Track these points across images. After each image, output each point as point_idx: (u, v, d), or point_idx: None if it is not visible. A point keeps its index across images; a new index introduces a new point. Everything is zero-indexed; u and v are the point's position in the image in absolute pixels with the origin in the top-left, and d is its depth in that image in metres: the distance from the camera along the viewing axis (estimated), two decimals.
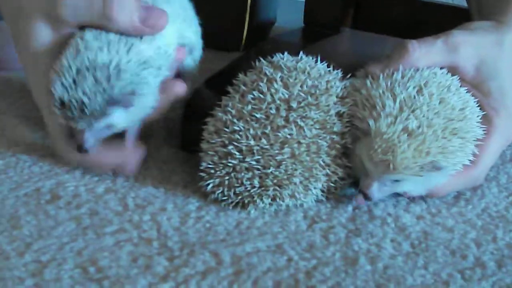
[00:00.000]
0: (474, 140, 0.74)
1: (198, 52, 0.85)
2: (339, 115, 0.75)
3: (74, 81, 0.70)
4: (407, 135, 0.69)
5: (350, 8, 1.16)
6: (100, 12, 0.73)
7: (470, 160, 0.74)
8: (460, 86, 0.75)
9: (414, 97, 0.71)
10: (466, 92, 0.75)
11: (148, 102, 0.75)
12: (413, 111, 0.71)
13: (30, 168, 0.80)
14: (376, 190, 0.72)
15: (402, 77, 0.73)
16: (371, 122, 0.71)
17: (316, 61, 0.78)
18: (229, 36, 1.21)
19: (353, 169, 0.75)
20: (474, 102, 0.75)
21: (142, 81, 0.73)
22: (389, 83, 0.73)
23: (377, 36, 1.13)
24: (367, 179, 0.73)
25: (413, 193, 0.75)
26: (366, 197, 0.73)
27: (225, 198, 0.73)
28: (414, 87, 0.72)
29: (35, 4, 0.74)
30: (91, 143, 0.73)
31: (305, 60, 0.77)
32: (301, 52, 0.78)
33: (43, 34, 0.75)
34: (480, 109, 0.76)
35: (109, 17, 0.73)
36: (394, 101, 0.71)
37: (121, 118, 0.73)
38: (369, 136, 0.71)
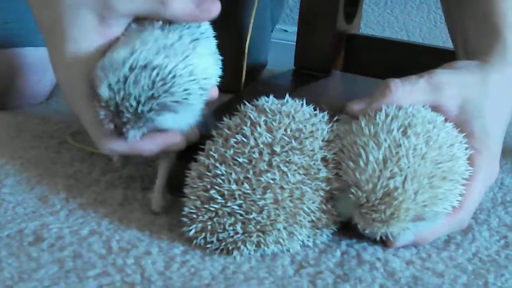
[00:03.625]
0: (463, 179, 0.73)
1: None
2: (325, 160, 0.74)
3: (125, 82, 0.69)
4: (393, 194, 0.69)
5: (341, 51, 1.17)
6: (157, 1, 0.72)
7: (457, 201, 0.73)
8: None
9: (399, 140, 0.70)
10: (453, 127, 0.75)
11: (196, 109, 0.75)
12: (398, 160, 0.69)
13: (14, 209, 0.78)
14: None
15: (386, 116, 0.73)
16: (353, 188, 0.70)
17: (302, 104, 0.77)
18: (228, 77, 1.21)
19: (341, 214, 0.74)
20: (462, 137, 0.74)
21: (192, 91, 0.72)
22: (372, 128, 0.72)
23: (368, 79, 1.13)
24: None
25: (402, 240, 0.74)
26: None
27: (208, 244, 0.72)
28: (398, 129, 0.71)
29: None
30: (133, 137, 0.73)
31: (291, 103, 0.77)
32: (287, 95, 0.78)
33: (89, 24, 0.74)
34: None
35: (164, 1, 0.72)
36: (379, 151, 0.70)
37: (167, 123, 0.73)
38: (354, 193, 0.70)
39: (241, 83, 1.23)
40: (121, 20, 0.75)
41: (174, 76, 0.71)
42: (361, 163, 0.70)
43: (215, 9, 0.75)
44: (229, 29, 1.12)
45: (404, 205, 0.69)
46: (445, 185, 0.70)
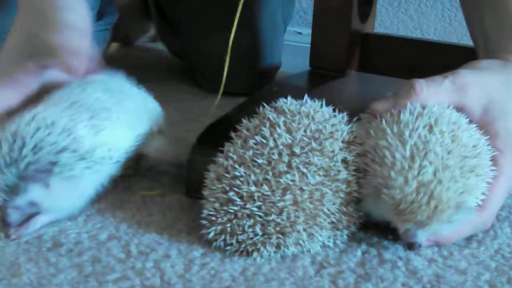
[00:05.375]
0: (488, 178, 0.72)
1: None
2: (345, 162, 0.73)
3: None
4: (425, 187, 0.68)
5: (356, 50, 1.16)
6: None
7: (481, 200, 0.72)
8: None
9: (426, 137, 0.70)
10: (476, 129, 0.74)
11: (79, 186, 0.74)
12: (425, 154, 0.69)
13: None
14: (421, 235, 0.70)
15: (410, 114, 0.72)
16: (385, 190, 0.69)
17: (321, 105, 0.77)
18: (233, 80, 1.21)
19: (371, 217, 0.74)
20: (485, 140, 0.73)
21: (66, 165, 0.71)
22: (395, 128, 0.71)
23: (384, 78, 1.12)
24: (403, 231, 0.71)
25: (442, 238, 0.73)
26: (411, 248, 0.71)
27: (228, 246, 0.71)
28: (424, 126, 0.71)
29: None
30: (14, 219, 0.72)
31: (309, 104, 0.76)
32: (305, 96, 0.77)
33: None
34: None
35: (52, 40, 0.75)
36: (404, 148, 0.69)
37: (42, 197, 0.72)
38: (387, 197, 0.69)
39: (253, 85, 1.22)
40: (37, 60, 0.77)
41: (35, 146, 0.70)
42: (388, 162, 0.69)
43: (79, 67, 0.77)
44: (239, 32, 1.12)
45: (443, 195, 0.67)
46: (473, 178, 0.70)
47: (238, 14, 1.01)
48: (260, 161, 0.71)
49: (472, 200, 0.70)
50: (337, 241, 0.74)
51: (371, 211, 0.74)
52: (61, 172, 0.71)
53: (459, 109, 0.75)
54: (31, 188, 0.71)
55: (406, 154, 0.69)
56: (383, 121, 0.73)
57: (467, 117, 0.74)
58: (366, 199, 0.73)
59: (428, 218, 0.68)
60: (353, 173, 0.73)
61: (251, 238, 0.70)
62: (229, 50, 0.99)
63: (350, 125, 0.76)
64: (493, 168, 0.73)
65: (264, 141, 0.72)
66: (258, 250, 0.71)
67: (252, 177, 0.70)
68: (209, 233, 0.71)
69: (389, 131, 0.71)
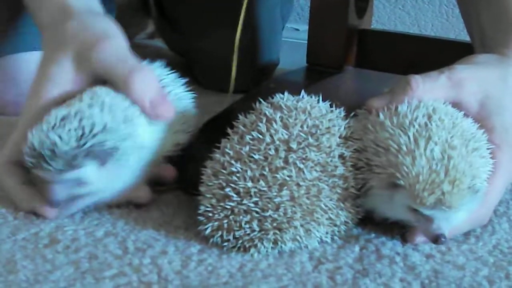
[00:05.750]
0: (490, 162, 0.72)
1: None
2: (342, 157, 0.73)
3: (54, 127, 0.71)
4: (437, 162, 0.67)
5: (353, 46, 1.16)
6: (125, 74, 0.75)
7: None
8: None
9: (426, 124, 0.70)
10: (473, 123, 0.74)
11: (125, 174, 0.76)
12: (428, 137, 0.68)
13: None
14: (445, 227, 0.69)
15: (408, 107, 0.72)
16: (398, 174, 0.68)
17: (318, 100, 0.76)
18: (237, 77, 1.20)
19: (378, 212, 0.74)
20: (482, 134, 0.73)
21: (125, 153, 0.74)
22: (394, 120, 0.71)
23: (381, 74, 1.12)
24: (425, 223, 0.70)
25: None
26: (437, 241, 0.69)
27: (225, 242, 0.71)
28: (423, 116, 0.71)
29: (73, 37, 0.78)
30: (60, 197, 0.73)
31: (306, 100, 0.76)
32: (302, 91, 0.77)
33: (66, 65, 0.77)
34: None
35: (128, 84, 0.75)
36: (407, 135, 0.69)
37: (93, 175, 0.73)
38: (402, 185, 0.68)
39: (251, 82, 1.22)
40: (90, 74, 0.78)
41: (104, 127, 0.72)
42: (393, 150, 0.69)
43: (167, 114, 0.78)
44: (236, 30, 1.13)
45: (459, 166, 0.67)
46: (479, 158, 0.70)
47: (243, 14, 1.01)
48: (256, 156, 0.70)
49: (480, 182, 0.70)
50: (335, 237, 0.74)
51: (377, 207, 0.74)
52: (119, 158, 0.73)
53: (456, 104, 0.75)
54: (87, 165, 0.72)
55: (410, 139, 0.69)
56: (381, 115, 0.73)
57: (463, 113, 0.74)
58: (374, 194, 0.72)
59: (448, 194, 0.67)
60: (351, 168, 0.73)
61: (248, 234, 0.70)
62: (235, 48, 1.00)
63: (347, 121, 0.76)
64: (491, 160, 0.72)
65: (260, 136, 0.72)
66: (256, 246, 0.70)
67: (249, 172, 0.70)
68: (206, 229, 0.71)
69: (388, 122, 0.71)
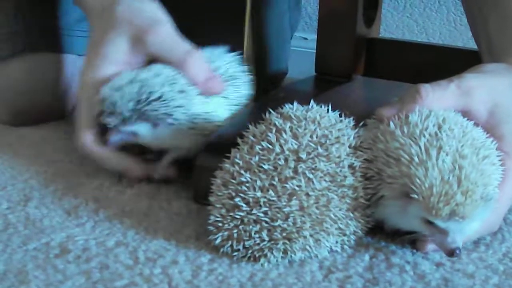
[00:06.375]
0: (500, 166, 0.72)
1: None
2: (352, 167, 0.73)
3: (119, 88, 0.83)
4: (449, 173, 0.67)
5: (362, 55, 1.16)
6: (181, 56, 0.86)
7: None
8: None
9: (437, 134, 0.70)
10: (482, 132, 0.74)
11: (176, 136, 0.86)
12: (440, 147, 0.69)
13: (41, 222, 0.79)
14: (460, 239, 0.69)
15: (418, 115, 0.72)
16: (412, 185, 0.68)
17: (327, 110, 0.77)
18: None
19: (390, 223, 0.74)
20: (492, 142, 0.73)
21: (177, 119, 0.85)
22: (405, 129, 0.71)
23: (390, 83, 1.12)
24: (440, 236, 0.69)
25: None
26: (453, 255, 0.69)
27: (235, 251, 0.71)
28: (433, 125, 0.71)
29: (125, 20, 0.87)
30: (115, 139, 0.85)
31: (316, 109, 0.76)
32: (311, 101, 0.77)
33: (121, 46, 0.86)
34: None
35: (184, 64, 0.85)
36: (418, 145, 0.69)
37: (146, 133, 0.85)
38: (415, 197, 0.68)
39: (260, 91, 1.22)
40: (144, 57, 0.87)
41: (161, 97, 0.83)
42: (405, 161, 0.69)
43: (218, 89, 0.89)
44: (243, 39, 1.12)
45: (471, 176, 0.67)
46: (489, 166, 0.70)
47: (247, 23, 1.02)
48: (266, 166, 0.71)
49: (492, 189, 0.69)
50: (345, 246, 0.74)
51: (388, 218, 0.74)
52: (172, 124, 0.85)
53: (465, 113, 0.75)
54: (141, 124, 0.84)
55: (422, 149, 0.69)
56: (391, 124, 0.73)
57: (473, 122, 0.74)
58: (386, 204, 0.72)
59: (461, 205, 0.67)
60: (360, 178, 0.73)
61: (258, 244, 0.70)
62: (243, 58, 1.01)
63: (356, 130, 0.76)
64: (501, 168, 0.72)
65: (270, 146, 0.72)
66: (265, 255, 0.71)
67: (258, 182, 0.70)
68: (216, 239, 0.72)
69: (399, 132, 0.71)
